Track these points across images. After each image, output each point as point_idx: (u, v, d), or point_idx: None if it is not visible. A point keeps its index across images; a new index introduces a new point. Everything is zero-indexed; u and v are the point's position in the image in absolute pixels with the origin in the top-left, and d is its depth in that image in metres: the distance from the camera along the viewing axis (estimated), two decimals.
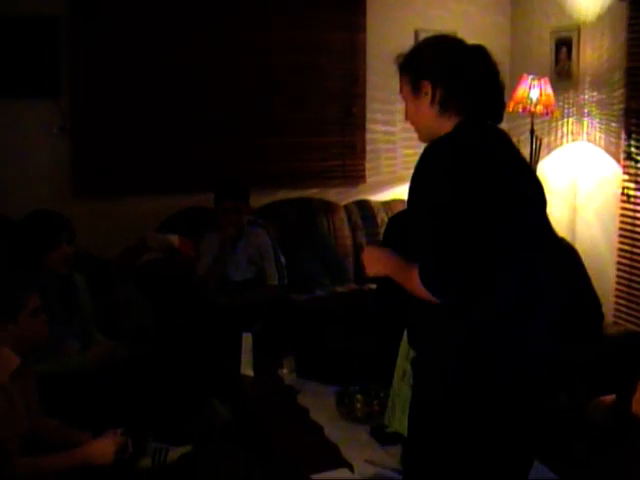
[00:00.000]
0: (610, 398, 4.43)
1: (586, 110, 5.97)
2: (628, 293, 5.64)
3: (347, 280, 5.92)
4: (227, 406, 4.22)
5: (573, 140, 6.13)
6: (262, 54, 6.17)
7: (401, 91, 2.61)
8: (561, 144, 6.24)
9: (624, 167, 5.62)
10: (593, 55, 5.86)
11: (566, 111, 6.13)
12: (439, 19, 6.51)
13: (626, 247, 5.65)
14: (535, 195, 2.48)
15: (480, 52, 2.53)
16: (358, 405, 3.69)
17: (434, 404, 2.43)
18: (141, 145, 5.91)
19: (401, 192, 6.28)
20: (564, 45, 6.08)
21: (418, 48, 2.61)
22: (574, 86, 6.02)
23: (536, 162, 6.00)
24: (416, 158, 2.43)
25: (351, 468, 3.24)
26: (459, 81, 2.47)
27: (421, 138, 2.60)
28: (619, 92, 5.63)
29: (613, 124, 5.72)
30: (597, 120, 5.88)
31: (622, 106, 5.61)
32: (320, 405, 3.80)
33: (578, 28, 5.93)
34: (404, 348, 2.85)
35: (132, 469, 3.35)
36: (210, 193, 5.26)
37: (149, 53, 5.84)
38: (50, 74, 5.54)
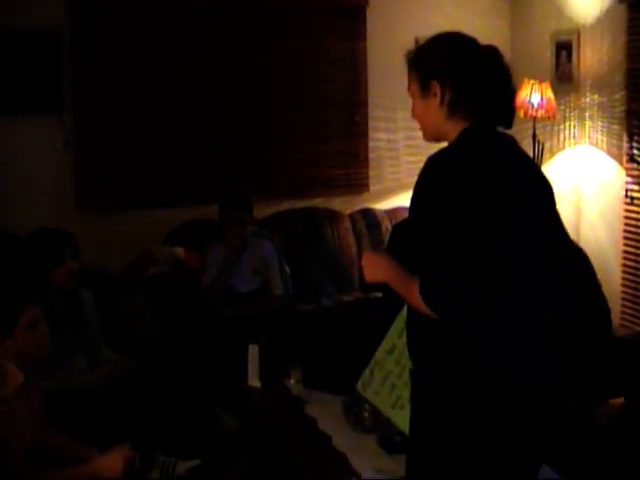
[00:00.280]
0: (618, 401, 4.43)
1: (588, 113, 5.96)
2: (634, 295, 5.62)
3: (353, 289, 5.93)
4: (234, 417, 4.22)
5: (575, 144, 6.12)
6: (263, 65, 6.20)
7: (409, 88, 2.53)
8: (563, 148, 6.24)
9: (627, 169, 5.61)
10: (593, 58, 5.86)
11: (568, 115, 6.13)
12: (439, 25, 6.42)
13: (631, 249, 5.64)
14: (543, 202, 2.42)
15: (492, 53, 2.46)
16: (366, 414, 3.67)
17: (435, 415, 2.38)
18: (145, 158, 5.93)
19: (405, 199, 6.24)
20: (564, 49, 6.08)
21: (428, 45, 2.50)
22: (575, 89, 6.02)
23: (539, 166, 5.98)
24: (420, 165, 2.38)
25: (359, 477, 3.23)
26: (469, 82, 2.40)
27: (426, 137, 2.55)
28: (620, 94, 5.63)
29: (615, 126, 5.72)
30: (599, 123, 5.87)
31: (623, 108, 5.61)
32: (328, 415, 3.80)
33: (578, 31, 5.94)
34: (399, 324, 2.78)
35: None
36: (214, 205, 5.27)
37: (150, 66, 5.88)
38: (52, 90, 5.58)
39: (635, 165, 5.55)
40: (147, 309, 5.16)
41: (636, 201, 5.57)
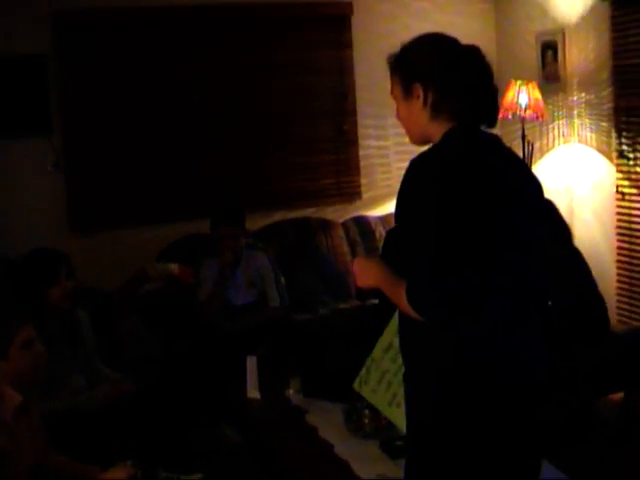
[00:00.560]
0: (618, 396, 4.44)
1: (576, 111, 5.99)
2: (629, 290, 5.64)
3: (349, 297, 5.93)
4: (235, 430, 4.21)
5: (565, 142, 6.15)
6: (249, 78, 6.21)
7: (392, 92, 2.52)
8: (553, 147, 6.26)
9: (617, 165, 5.63)
10: (579, 56, 5.89)
11: (556, 114, 6.15)
12: (424, 31, 6.47)
13: (625, 245, 5.66)
14: (531, 201, 2.40)
15: (474, 52, 2.45)
16: (366, 420, 3.67)
17: (427, 416, 2.37)
18: (135, 176, 5.95)
19: None
20: (550, 48, 6.11)
21: (410, 47, 2.50)
22: (562, 88, 6.05)
23: (529, 167, 6.00)
24: None
25: None
26: (452, 83, 2.39)
27: (412, 140, 2.53)
28: (607, 91, 5.66)
29: (603, 123, 5.74)
30: (587, 121, 5.90)
31: (611, 105, 5.63)
32: (329, 423, 3.80)
33: (562, 31, 5.96)
34: (396, 323, 2.78)
35: None
36: (206, 219, 5.27)
37: (137, 85, 5.90)
38: (41, 112, 5.57)
39: (625, 161, 5.56)
40: (143, 326, 5.16)
41: (627, 196, 5.58)
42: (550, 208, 3.74)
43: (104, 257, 5.63)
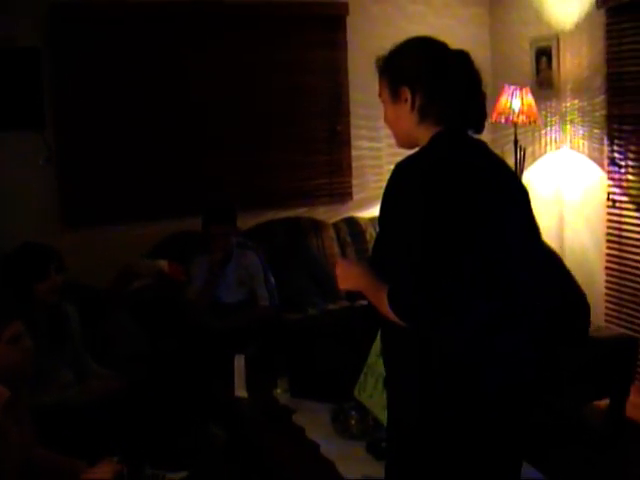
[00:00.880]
0: (604, 402, 4.45)
1: (568, 118, 6.00)
2: (618, 297, 5.65)
3: (339, 297, 5.92)
4: (222, 428, 4.21)
5: (557, 148, 6.16)
6: (244, 77, 6.20)
7: (380, 95, 2.53)
8: (545, 152, 6.28)
9: (608, 173, 5.65)
10: (573, 63, 5.90)
11: (549, 120, 6.17)
12: (419, 34, 6.50)
13: (614, 252, 5.67)
14: (516, 205, 2.39)
15: (463, 57, 2.44)
16: (353, 422, 3.68)
17: (410, 419, 2.37)
18: (127, 173, 5.93)
19: None
20: (544, 54, 6.12)
21: (398, 50, 2.51)
22: (556, 94, 6.06)
23: (521, 171, 6.02)
24: None
25: None
26: (440, 87, 2.39)
27: (399, 144, 2.55)
28: (600, 98, 5.67)
29: (596, 130, 5.75)
30: (580, 127, 5.91)
31: (604, 112, 5.65)
32: (315, 423, 3.80)
33: (557, 37, 5.97)
34: None
35: None
36: (198, 217, 5.27)
37: (131, 81, 5.88)
38: (34, 106, 5.54)
39: (616, 168, 5.58)
40: (132, 323, 5.15)
41: (618, 204, 5.60)
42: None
43: (94, 253, 5.61)
